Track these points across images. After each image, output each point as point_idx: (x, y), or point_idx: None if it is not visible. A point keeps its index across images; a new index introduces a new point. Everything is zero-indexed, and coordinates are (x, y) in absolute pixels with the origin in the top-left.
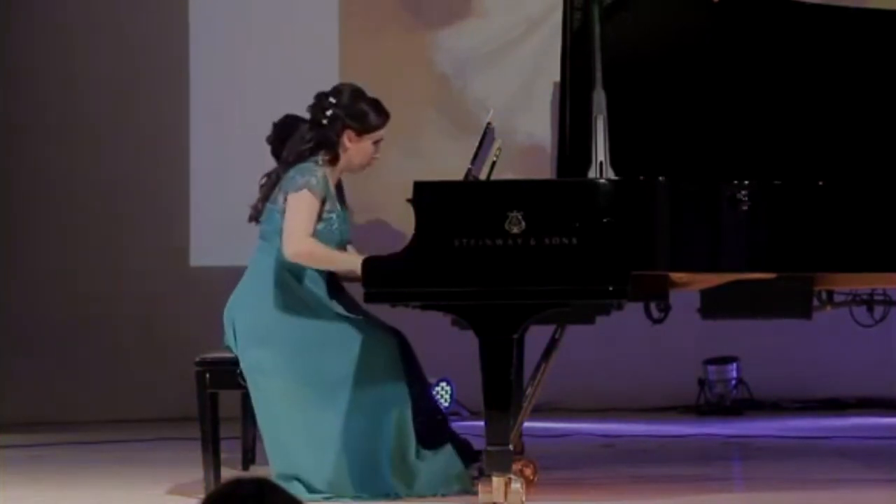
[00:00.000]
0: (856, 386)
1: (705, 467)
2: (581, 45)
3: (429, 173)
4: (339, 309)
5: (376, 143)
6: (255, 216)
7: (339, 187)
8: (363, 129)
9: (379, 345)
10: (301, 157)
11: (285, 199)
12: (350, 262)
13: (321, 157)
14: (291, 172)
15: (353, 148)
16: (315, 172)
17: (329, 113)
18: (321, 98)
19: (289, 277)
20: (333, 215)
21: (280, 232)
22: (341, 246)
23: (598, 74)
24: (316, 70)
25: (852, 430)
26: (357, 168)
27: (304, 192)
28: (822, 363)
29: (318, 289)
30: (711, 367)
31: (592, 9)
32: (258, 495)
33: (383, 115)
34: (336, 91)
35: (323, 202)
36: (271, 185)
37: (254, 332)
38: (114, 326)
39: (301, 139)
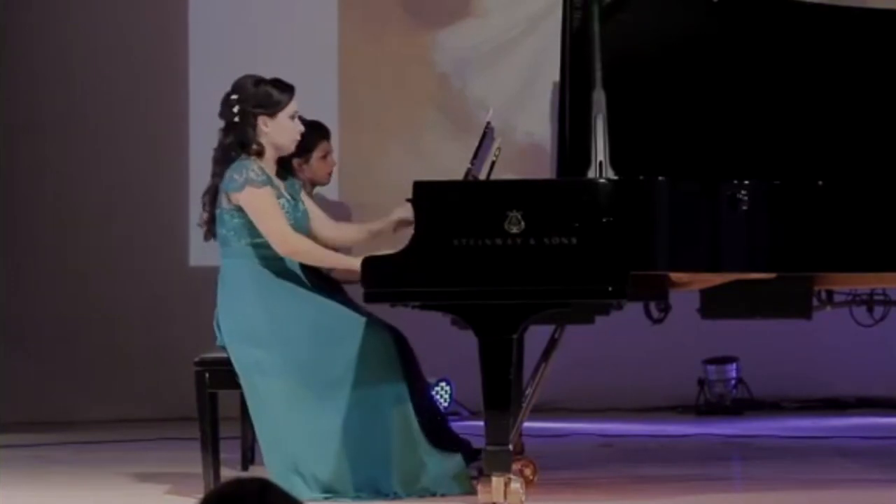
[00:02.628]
0: (856, 386)
1: (705, 467)
2: (581, 45)
3: (429, 173)
4: (330, 300)
5: (292, 117)
6: (210, 232)
7: (282, 177)
8: (273, 110)
9: (375, 343)
10: (230, 160)
11: (230, 199)
12: (343, 260)
13: (249, 155)
14: (227, 174)
15: (272, 130)
16: (249, 166)
17: (236, 109)
18: (226, 99)
19: (265, 274)
20: (282, 201)
21: (236, 230)
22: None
23: (598, 74)
24: (316, 70)
25: (852, 430)
26: (288, 147)
27: (248, 189)
28: (822, 363)
29: (297, 277)
30: (711, 367)
31: (592, 8)
32: (257, 495)
33: (286, 89)
34: (236, 87)
35: None
36: (212, 197)
37: (242, 332)
38: (114, 326)
39: (222, 146)
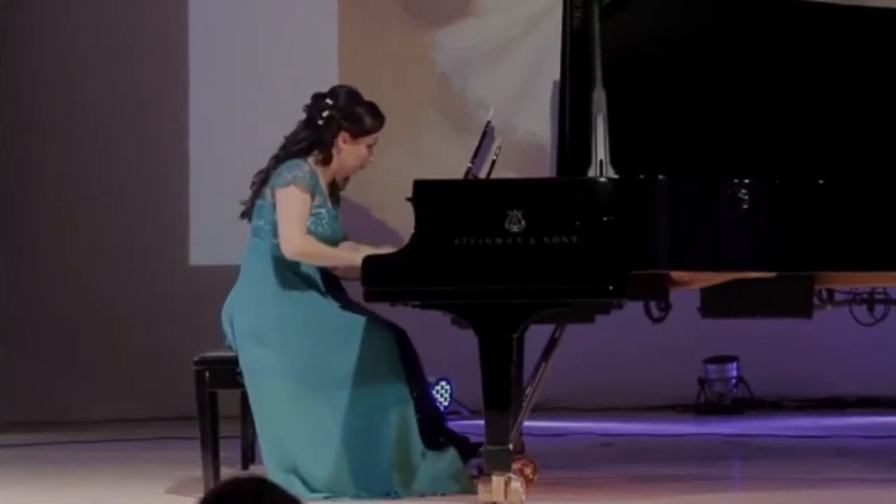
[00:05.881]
0: (856, 385)
1: (705, 467)
2: (581, 44)
3: (429, 172)
4: (337, 304)
5: (370, 146)
6: (247, 213)
7: (333, 188)
8: (358, 132)
9: (378, 342)
10: (292, 155)
11: (273, 195)
12: (350, 259)
13: (313, 157)
14: (279, 168)
15: (347, 150)
16: (302, 167)
17: (325, 114)
18: (318, 99)
19: (284, 273)
20: (323, 211)
21: (272, 227)
22: (333, 244)
23: (598, 73)
24: (316, 71)
25: (852, 429)
26: (349, 171)
27: (291, 187)
28: (823, 362)
29: (314, 282)
30: (711, 367)
31: (592, 7)
32: (256, 494)
33: (379, 118)
34: (333, 93)
35: (312, 196)
36: (261, 182)
37: (253, 331)
38: (114, 326)
39: (295, 138)
